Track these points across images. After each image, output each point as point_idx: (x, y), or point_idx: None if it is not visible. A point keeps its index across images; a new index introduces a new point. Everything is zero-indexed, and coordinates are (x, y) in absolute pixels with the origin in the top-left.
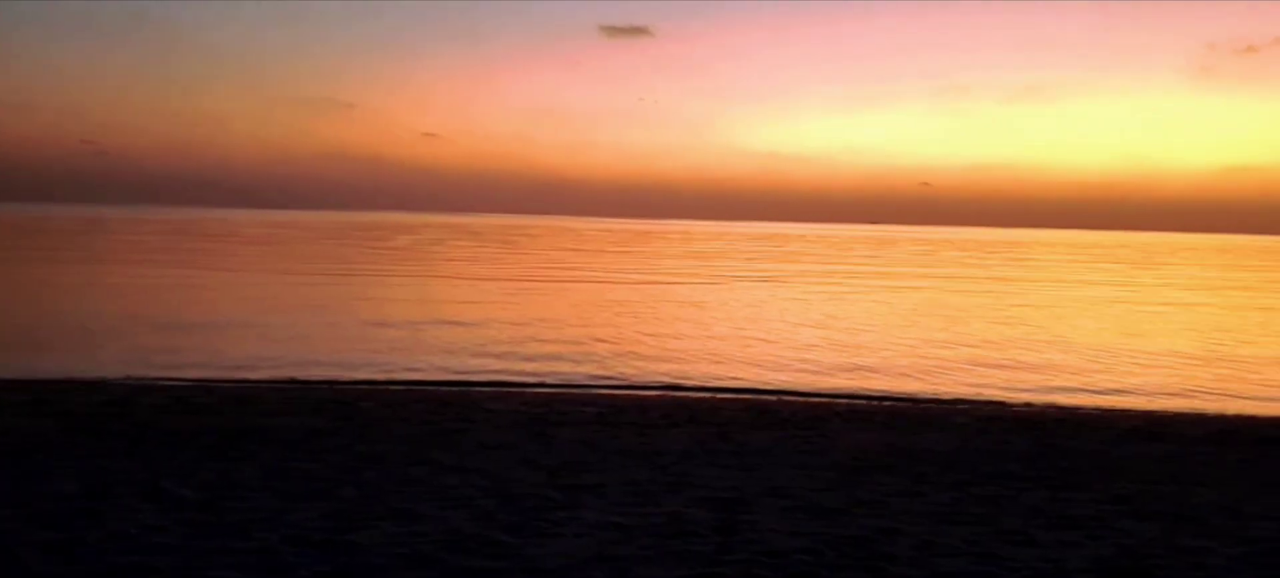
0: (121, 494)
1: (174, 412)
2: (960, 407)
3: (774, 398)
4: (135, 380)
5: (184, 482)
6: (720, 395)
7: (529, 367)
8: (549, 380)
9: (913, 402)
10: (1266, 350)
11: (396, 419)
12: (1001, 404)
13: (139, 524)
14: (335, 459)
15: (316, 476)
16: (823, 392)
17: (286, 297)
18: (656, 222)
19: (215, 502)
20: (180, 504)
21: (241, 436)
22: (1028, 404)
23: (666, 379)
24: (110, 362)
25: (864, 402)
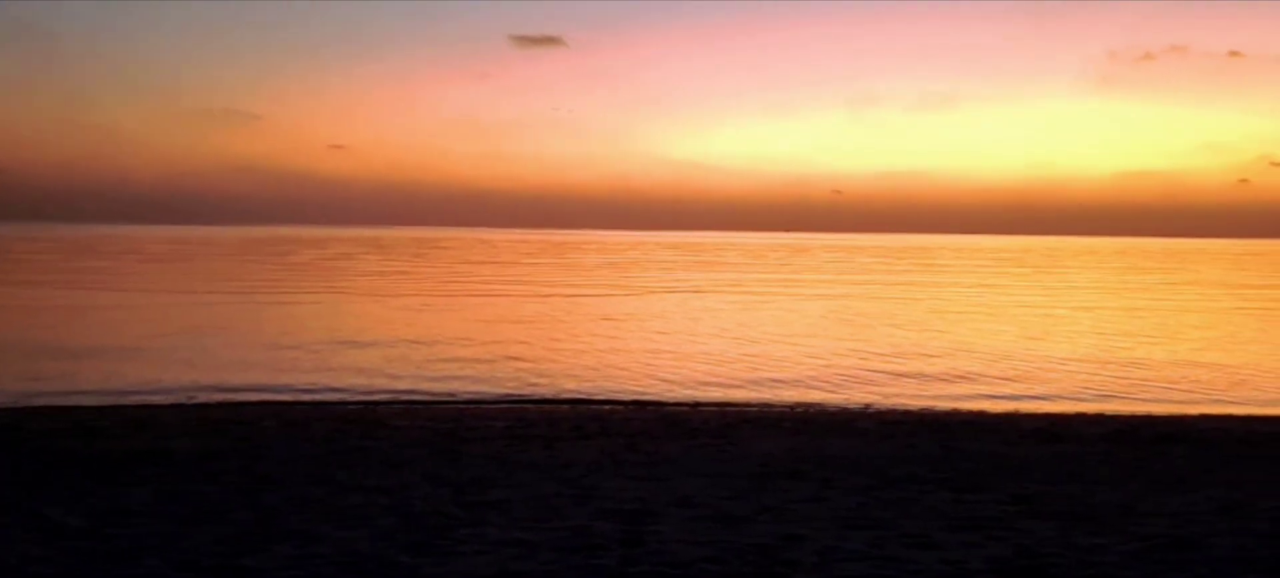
0: (2, 524)
1: (65, 437)
2: (868, 412)
3: (686, 407)
4: (24, 406)
5: (71, 509)
6: (631, 406)
7: (437, 382)
8: (457, 396)
9: (822, 408)
10: (1163, 351)
11: (298, 439)
12: (908, 409)
13: (19, 555)
14: (232, 482)
15: (211, 499)
16: (734, 400)
17: (187, 316)
18: (574, 232)
19: (102, 529)
20: (65, 532)
21: (135, 459)
22: (933, 409)
23: (578, 391)
24: None
25: (774, 409)
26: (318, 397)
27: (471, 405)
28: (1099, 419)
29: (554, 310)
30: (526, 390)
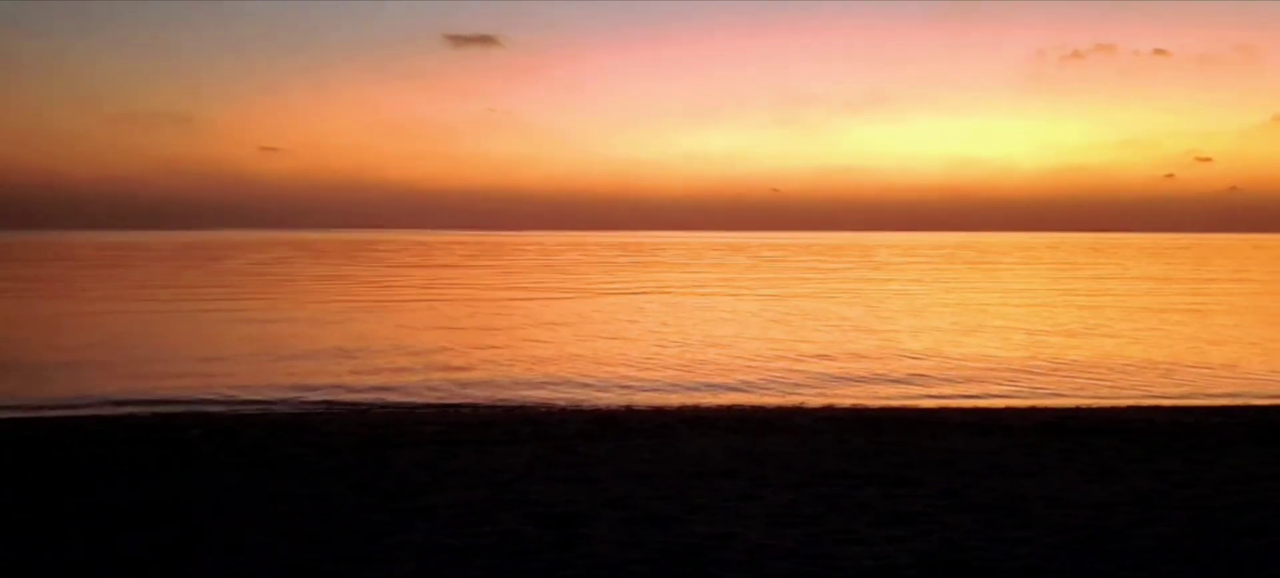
0: None
1: None
2: (803, 409)
3: (621, 407)
4: None
5: None
6: (566, 408)
7: (367, 388)
8: (388, 401)
9: (757, 406)
10: (1092, 345)
11: (227, 448)
12: (841, 406)
13: None
14: (158, 492)
15: (137, 510)
16: (670, 400)
17: (114, 324)
18: (512, 233)
19: (25, 543)
20: None
21: (59, 472)
22: (866, 405)
23: (510, 394)
24: None
25: (710, 408)
26: (248, 401)
27: (402, 410)
28: (1029, 412)
29: (487, 313)
30: (458, 394)
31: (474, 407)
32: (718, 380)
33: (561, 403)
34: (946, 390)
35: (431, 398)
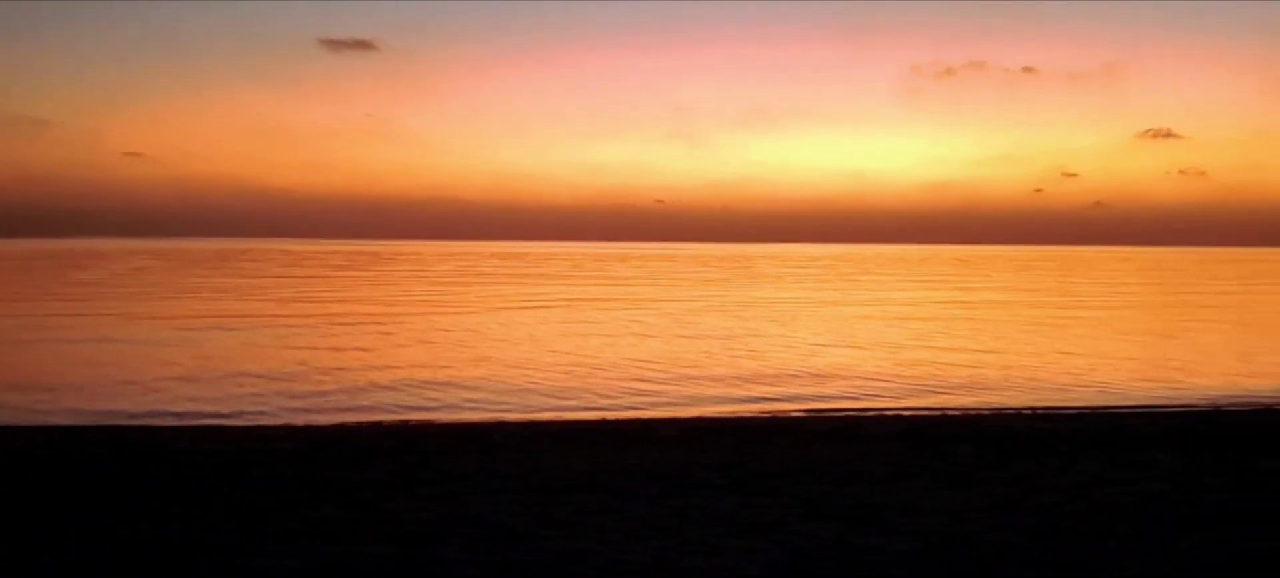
0: None
1: None
2: (669, 421)
3: (488, 422)
4: None
5: None
6: (428, 423)
7: (222, 405)
8: (246, 416)
9: (625, 419)
10: (959, 352)
11: (69, 469)
12: (708, 416)
13: None
14: None
15: None
16: (539, 415)
17: None
18: (390, 242)
19: None
20: None
21: None
22: (734, 414)
23: (372, 409)
24: None
25: (577, 421)
26: (96, 418)
27: (256, 430)
28: (893, 419)
29: (353, 326)
30: (315, 411)
31: (333, 426)
32: (587, 393)
33: (423, 419)
34: (811, 400)
35: (286, 418)
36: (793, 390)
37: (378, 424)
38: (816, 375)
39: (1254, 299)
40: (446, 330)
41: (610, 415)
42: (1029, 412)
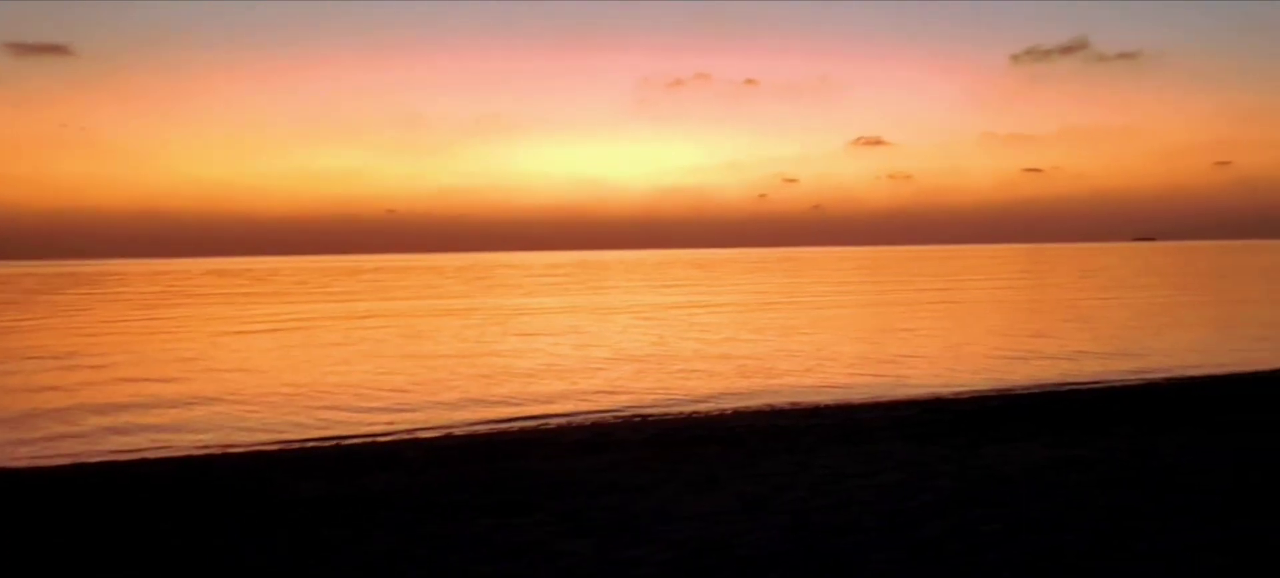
0: None
1: None
2: (415, 441)
3: (214, 453)
4: None
5: None
6: (143, 460)
7: None
8: None
9: (366, 442)
10: (699, 352)
11: None
12: (456, 434)
13: None
14: None
15: None
16: (267, 443)
17: None
18: (92, 261)
19: None
20: None
21: None
22: (482, 431)
23: (77, 444)
24: None
25: (314, 448)
26: None
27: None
28: (641, 425)
29: (49, 359)
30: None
31: (33, 468)
32: (322, 416)
33: (137, 455)
34: (560, 408)
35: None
36: (538, 400)
37: (83, 466)
38: (560, 383)
39: (958, 294)
40: (152, 360)
41: (347, 442)
42: (768, 410)
